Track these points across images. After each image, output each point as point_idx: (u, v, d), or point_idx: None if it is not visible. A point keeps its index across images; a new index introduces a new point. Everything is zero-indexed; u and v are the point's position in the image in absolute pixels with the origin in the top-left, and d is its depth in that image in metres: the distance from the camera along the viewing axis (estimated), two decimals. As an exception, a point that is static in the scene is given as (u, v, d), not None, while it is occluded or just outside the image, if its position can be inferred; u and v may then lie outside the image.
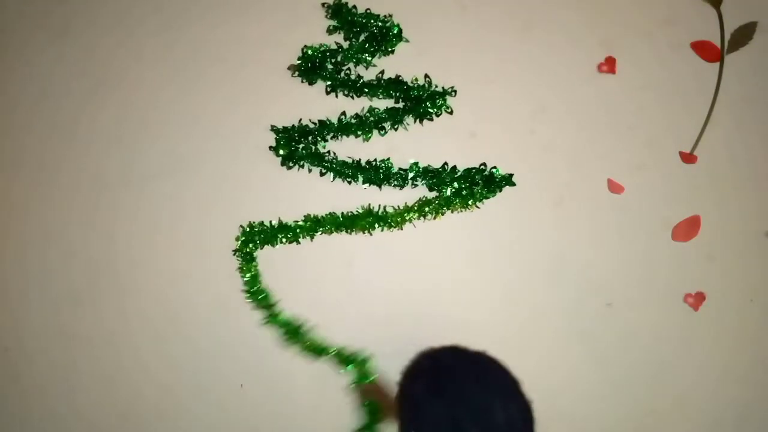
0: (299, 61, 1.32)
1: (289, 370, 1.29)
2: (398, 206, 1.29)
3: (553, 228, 1.29)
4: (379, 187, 1.30)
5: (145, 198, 1.33)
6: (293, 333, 1.26)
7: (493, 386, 0.81)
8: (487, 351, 0.88)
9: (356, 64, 1.32)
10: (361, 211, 1.28)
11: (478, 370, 0.84)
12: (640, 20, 1.32)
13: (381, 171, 1.29)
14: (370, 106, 1.30)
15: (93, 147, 1.35)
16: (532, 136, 1.31)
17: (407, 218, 1.28)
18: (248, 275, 1.27)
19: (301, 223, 1.29)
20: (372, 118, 1.30)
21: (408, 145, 1.31)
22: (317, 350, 1.26)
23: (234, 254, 1.29)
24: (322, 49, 1.32)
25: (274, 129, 1.32)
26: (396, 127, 1.31)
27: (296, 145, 1.31)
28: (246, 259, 1.28)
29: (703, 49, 1.30)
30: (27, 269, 1.34)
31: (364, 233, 1.28)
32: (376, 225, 1.28)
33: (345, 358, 1.25)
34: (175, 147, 1.34)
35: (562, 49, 1.32)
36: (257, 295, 1.27)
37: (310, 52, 1.32)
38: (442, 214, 1.28)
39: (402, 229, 1.28)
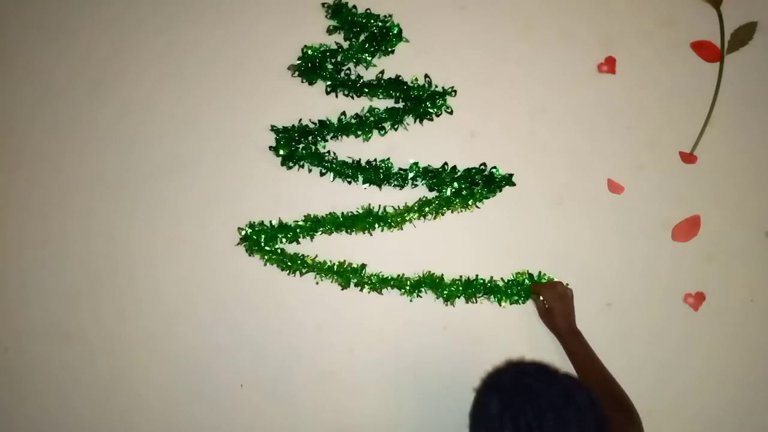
0: (299, 61, 1.32)
1: (290, 370, 1.29)
2: (398, 206, 1.29)
3: (553, 228, 1.29)
4: (379, 187, 1.30)
5: (145, 198, 1.33)
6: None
7: (572, 427, 0.76)
8: (577, 379, 0.84)
9: (356, 64, 1.32)
10: (361, 211, 1.28)
11: (561, 403, 0.77)
12: (640, 20, 1.32)
13: (381, 171, 1.29)
14: (370, 106, 1.30)
15: (92, 147, 1.35)
16: (532, 136, 1.31)
17: (407, 218, 1.28)
18: (270, 257, 1.27)
19: (301, 223, 1.29)
20: (372, 118, 1.30)
21: (408, 145, 1.31)
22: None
23: (250, 253, 1.28)
24: (322, 49, 1.32)
25: (274, 129, 1.32)
26: (396, 127, 1.31)
27: (296, 145, 1.31)
28: (261, 250, 1.28)
29: (703, 49, 1.30)
30: (26, 269, 1.34)
31: (364, 233, 1.28)
32: (376, 225, 1.28)
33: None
34: (174, 147, 1.34)
35: (562, 49, 1.32)
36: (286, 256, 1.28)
37: (310, 52, 1.32)
38: (442, 214, 1.28)
39: (402, 229, 1.28)
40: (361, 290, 1.27)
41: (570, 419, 0.76)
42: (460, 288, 1.25)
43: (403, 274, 1.27)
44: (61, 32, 1.38)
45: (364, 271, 1.27)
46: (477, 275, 1.26)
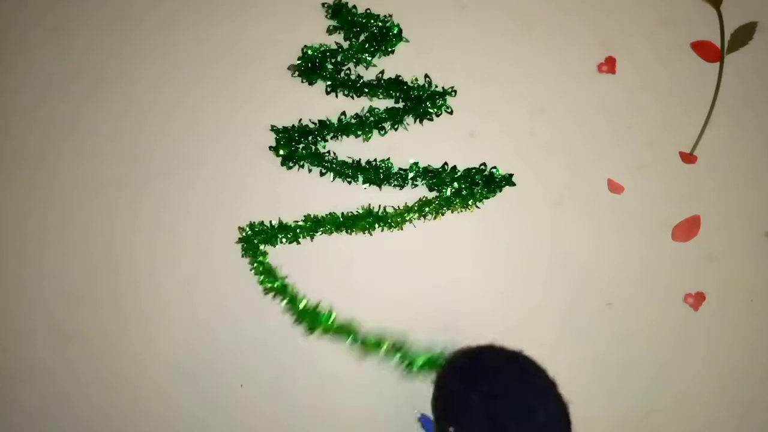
0: (299, 61, 1.32)
1: (290, 370, 1.29)
2: (398, 206, 1.29)
3: (553, 228, 1.29)
4: (379, 187, 1.30)
5: (145, 198, 1.33)
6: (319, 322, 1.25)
7: (532, 386, 0.79)
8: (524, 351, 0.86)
9: (356, 64, 1.32)
10: (361, 211, 1.28)
11: (517, 369, 0.82)
12: (640, 20, 1.32)
13: (381, 171, 1.29)
14: (370, 106, 1.30)
15: (92, 146, 1.35)
16: (532, 136, 1.31)
17: (407, 218, 1.28)
18: (260, 270, 1.27)
19: (301, 223, 1.29)
20: (372, 118, 1.30)
21: (408, 145, 1.31)
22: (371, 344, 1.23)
23: (243, 255, 1.28)
24: (322, 49, 1.32)
25: (274, 129, 1.32)
26: (396, 127, 1.31)
27: (296, 145, 1.31)
28: (254, 255, 1.28)
29: (703, 49, 1.30)
30: (26, 269, 1.34)
31: (364, 233, 1.28)
32: (376, 225, 1.28)
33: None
34: (175, 147, 1.34)
35: (562, 49, 1.32)
36: (273, 282, 1.26)
37: (310, 52, 1.32)
38: (442, 214, 1.28)
39: (402, 229, 1.28)
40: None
41: (529, 382, 0.79)
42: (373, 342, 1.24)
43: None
44: (61, 32, 1.38)
45: (332, 319, 1.25)
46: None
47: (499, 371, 0.81)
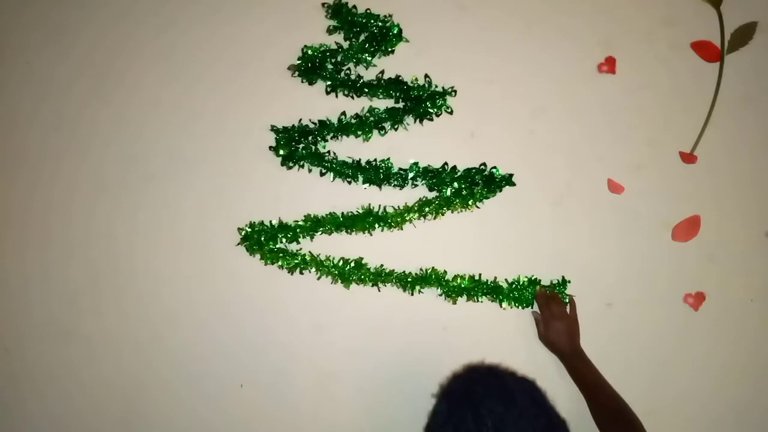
0: (299, 61, 1.32)
1: (290, 370, 1.29)
2: (398, 206, 1.29)
3: (553, 228, 1.29)
4: (379, 187, 1.30)
5: (145, 198, 1.33)
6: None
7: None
8: (532, 382, 0.86)
9: (356, 64, 1.32)
10: (361, 211, 1.28)
11: (501, 409, 0.79)
12: (640, 20, 1.32)
13: (381, 171, 1.29)
14: (370, 106, 1.30)
15: (93, 147, 1.35)
16: (532, 136, 1.31)
17: (407, 218, 1.28)
18: (276, 255, 1.27)
19: (301, 223, 1.29)
20: (372, 118, 1.30)
21: (408, 145, 1.31)
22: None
23: (250, 253, 1.28)
24: (322, 49, 1.32)
25: (274, 129, 1.32)
26: (396, 127, 1.31)
27: (296, 145, 1.31)
28: (261, 247, 1.28)
29: (703, 49, 1.30)
30: (27, 269, 1.34)
31: (364, 233, 1.28)
32: (376, 225, 1.28)
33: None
34: (175, 147, 1.34)
35: (562, 49, 1.32)
36: (293, 259, 1.27)
37: (310, 52, 1.32)
38: (442, 214, 1.28)
39: (402, 229, 1.28)
40: (363, 285, 1.27)
41: (508, 424, 0.77)
42: (463, 285, 1.24)
43: (405, 271, 1.27)
44: (62, 32, 1.38)
45: (364, 268, 1.26)
46: (480, 274, 1.26)
47: (480, 406, 0.80)
